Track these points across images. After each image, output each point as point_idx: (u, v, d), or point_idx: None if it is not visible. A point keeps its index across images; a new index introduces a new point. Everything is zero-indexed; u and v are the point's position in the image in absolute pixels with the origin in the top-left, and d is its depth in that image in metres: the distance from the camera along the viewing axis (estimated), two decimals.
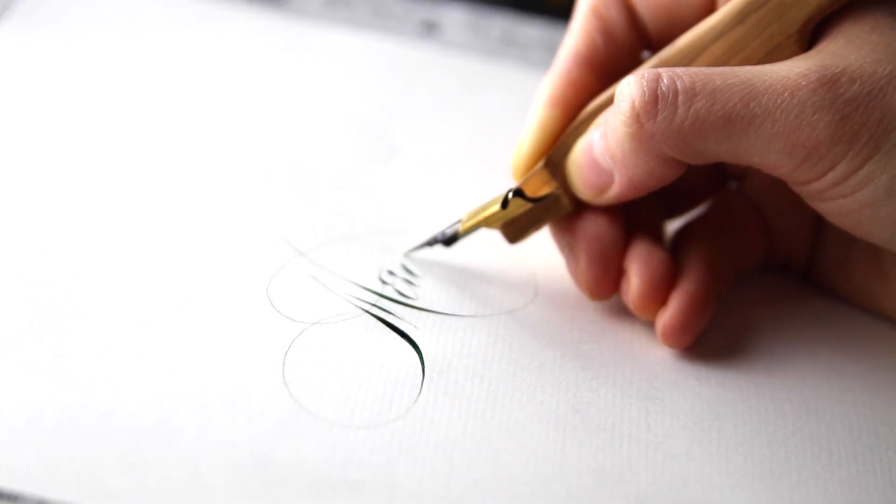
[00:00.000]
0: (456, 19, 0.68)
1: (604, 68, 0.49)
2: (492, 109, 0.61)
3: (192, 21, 0.63)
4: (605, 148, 0.46)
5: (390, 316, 0.49)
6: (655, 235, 0.50)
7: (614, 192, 0.47)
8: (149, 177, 0.54)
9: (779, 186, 0.48)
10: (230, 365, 0.46)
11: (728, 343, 0.50)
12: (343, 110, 0.60)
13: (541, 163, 0.49)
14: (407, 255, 0.52)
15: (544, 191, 0.48)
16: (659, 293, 0.48)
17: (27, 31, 0.61)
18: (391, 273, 0.51)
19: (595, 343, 0.49)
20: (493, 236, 0.52)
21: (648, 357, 0.49)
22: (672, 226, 0.53)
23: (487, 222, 0.49)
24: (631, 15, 0.50)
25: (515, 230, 0.49)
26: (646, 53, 0.51)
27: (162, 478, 0.42)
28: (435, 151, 0.58)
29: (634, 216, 0.50)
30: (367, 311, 0.49)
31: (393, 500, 0.42)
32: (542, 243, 0.52)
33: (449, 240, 0.51)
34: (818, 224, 0.52)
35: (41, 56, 0.59)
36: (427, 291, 0.50)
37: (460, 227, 0.50)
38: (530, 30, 0.68)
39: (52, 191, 0.52)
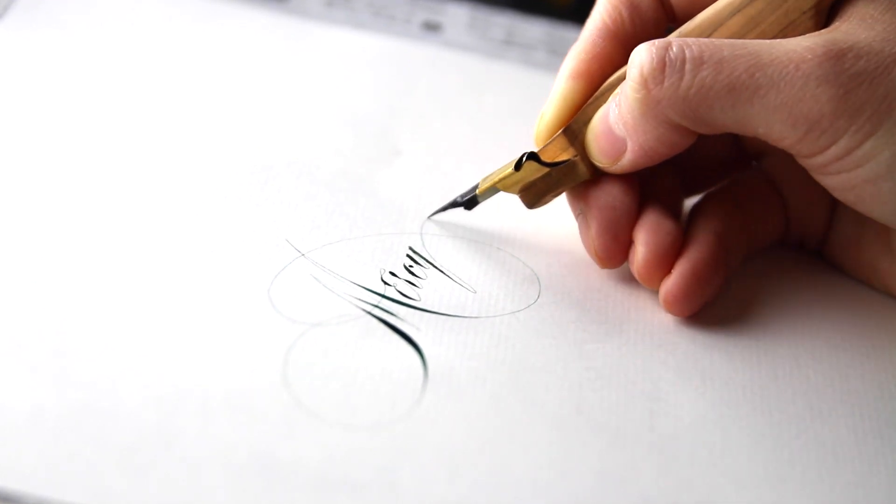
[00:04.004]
0: (457, 19, 0.67)
1: (629, 42, 0.50)
2: (493, 110, 0.61)
3: (193, 19, 0.63)
4: (619, 115, 0.47)
5: (392, 317, 0.49)
6: (670, 209, 0.51)
7: (628, 159, 0.48)
8: (149, 176, 0.53)
9: (797, 165, 0.48)
10: (231, 365, 0.46)
11: (733, 344, 0.50)
12: (345, 110, 0.59)
13: (560, 130, 0.49)
14: (430, 218, 0.53)
15: (562, 157, 0.49)
16: (664, 262, 0.49)
17: (28, 28, 0.60)
18: (393, 274, 0.51)
19: (599, 343, 0.49)
20: (498, 239, 0.52)
21: (652, 358, 0.49)
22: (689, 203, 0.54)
23: (503, 185, 0.50)
24: None
25: (533, 195, 0.50)
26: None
27: (162, 478, 0.41)
28: (436, 152, 0.58)
29: (652, 190, 0.51)
30: (369, 313, 0.49)
31: (394, 501, 0.42)
32: (545, 244, 0.53)
33: (468, 202, 0.52)
34: (834, 203, 0.52)
35: (42, 53, 0.59)
36: (429, 292, 0.50)
37: (478, 191, 0.52)
38: (532, 30, 0.68)
39: (52, 189, 0.52)
